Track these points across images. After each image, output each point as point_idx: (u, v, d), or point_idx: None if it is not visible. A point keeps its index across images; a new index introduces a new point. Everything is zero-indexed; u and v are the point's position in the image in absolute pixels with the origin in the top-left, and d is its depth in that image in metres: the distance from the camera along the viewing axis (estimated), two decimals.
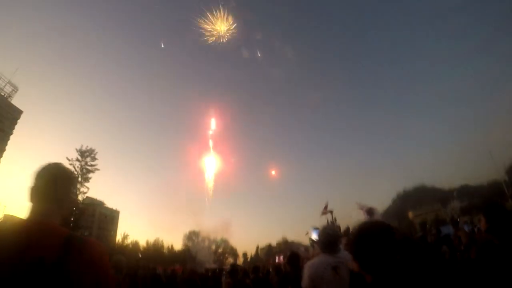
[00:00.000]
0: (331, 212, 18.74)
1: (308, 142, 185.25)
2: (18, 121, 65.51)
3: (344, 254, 3.12)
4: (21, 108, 66.15)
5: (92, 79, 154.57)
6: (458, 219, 6.72)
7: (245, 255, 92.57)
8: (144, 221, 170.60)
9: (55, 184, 1.55)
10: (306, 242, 23.40)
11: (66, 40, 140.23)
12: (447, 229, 8.26)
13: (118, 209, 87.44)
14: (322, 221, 17.83)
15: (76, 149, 38.29)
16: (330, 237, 3.25)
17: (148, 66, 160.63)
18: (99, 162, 39.52)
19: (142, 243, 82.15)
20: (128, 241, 79.34)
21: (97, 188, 77.31)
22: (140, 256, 66.45)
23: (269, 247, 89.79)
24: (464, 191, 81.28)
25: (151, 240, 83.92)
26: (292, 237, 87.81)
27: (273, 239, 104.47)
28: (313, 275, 3.06)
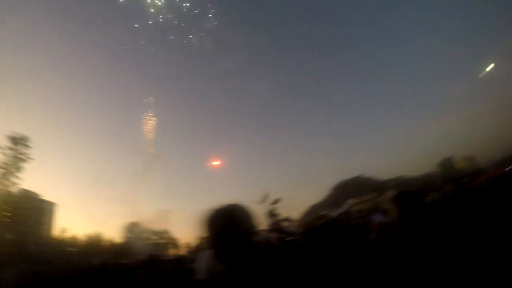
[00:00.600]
0: (276, 201, 18.71)
1: (253, 134, 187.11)
2: None
3: None
4: None
5: (22, 65, 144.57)
6: (385, 208, 7.15)
7: (187, 245, 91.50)
8: (84, 214, 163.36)
9: None
10: None
11: None
12: (378, 217, 8.79)
13: (55, 201, 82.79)
14: (260, 209, 17.92)
15: (7, 136, 35.88)
16: None
17: (84, 55, 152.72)
18: (33, 152, 37.42)
19: (82, 236, 78.90)
20: (66, 235, 75.94)
21: (32, 180, 72.81)
22: (75, 250, 63.90)
23: None
24: (399, 182, 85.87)
25: (91, 233, 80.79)
26: None
27: None
28: (207, 267, 2.89)
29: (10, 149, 35.41)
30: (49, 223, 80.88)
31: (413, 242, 2.24)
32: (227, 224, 1.45)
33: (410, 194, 2.55)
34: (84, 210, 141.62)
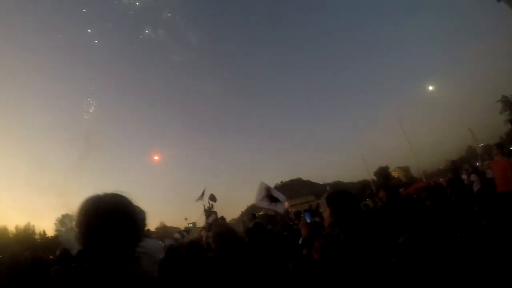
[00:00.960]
0: (212, 197, 18.25)
1: (194, 133, 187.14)
2: None
3: (150, 244, 2.88)
4: None
5: None
6: (318, 208, 7.14)
7: None
8: (14, 203, 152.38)
9: None
10: (184, 227, 23.18)
11: None
12: (309, 217, 8.92)
13: None
14: (199, 207, 17.60)
15: None
16: None
17: (26, 40, 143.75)
18: None
19: (11, 228, 72.92)
20: None
21: None
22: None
23: (148, 232, 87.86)
24: (337, 186, 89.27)
25: (21, 225, 74.85)
26: (170, 222, 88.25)
27: (152, 225, 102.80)
28: None
29: None
30: None
31: (344, 244, 2.09)
32: (99, 216, 1.16)
33: (343, 195, 2.36)
34: (16, 200, 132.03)
